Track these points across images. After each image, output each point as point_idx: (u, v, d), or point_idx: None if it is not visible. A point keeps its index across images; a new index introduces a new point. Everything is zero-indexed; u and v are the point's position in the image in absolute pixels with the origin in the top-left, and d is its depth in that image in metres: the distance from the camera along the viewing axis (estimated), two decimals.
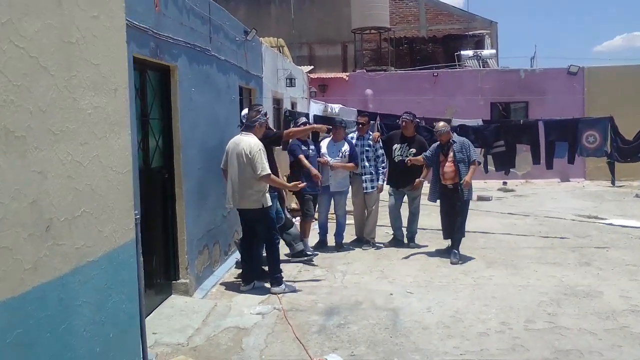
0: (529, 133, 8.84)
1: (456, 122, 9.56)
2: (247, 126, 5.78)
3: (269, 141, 6.12)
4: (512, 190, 13.64)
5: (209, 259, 6.13)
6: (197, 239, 5.75)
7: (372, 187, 7.64)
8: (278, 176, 6.29)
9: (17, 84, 1.69)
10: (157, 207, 5.14)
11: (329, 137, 7.66)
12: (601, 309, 5.16)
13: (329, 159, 7.38)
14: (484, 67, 17.27)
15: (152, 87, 5.10)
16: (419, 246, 7.68)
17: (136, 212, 2.54)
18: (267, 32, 16.48)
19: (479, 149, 9.19)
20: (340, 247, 7.65)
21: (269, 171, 5.52)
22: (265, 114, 6.05)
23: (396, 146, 7.69)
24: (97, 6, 2.14)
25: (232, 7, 19.45)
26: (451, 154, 6.97)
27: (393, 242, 7.85)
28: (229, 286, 6.03)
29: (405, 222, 7.87)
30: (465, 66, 17.53)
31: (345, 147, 7.49)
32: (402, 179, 7.60)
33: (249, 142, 5.57)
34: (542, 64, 27.95)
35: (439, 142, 7.19)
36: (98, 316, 2.16)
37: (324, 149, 7.49)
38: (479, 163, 7.44)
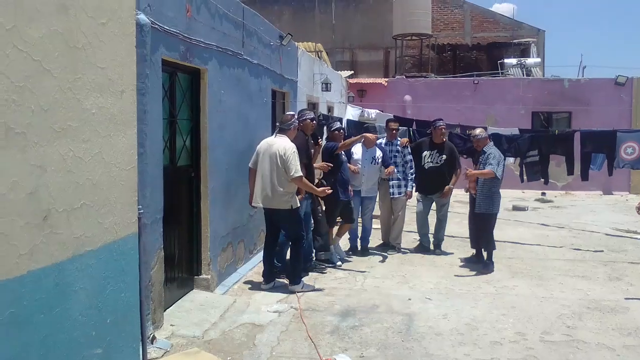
0: (564, 144, 8.65)
1: (490, 130, 9.43)
2: (281, 129, 5.94)
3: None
4: (550, 201, 13.35)
5: (232, 257, 6.29)
6: (222, 236, 5.92)
7: (400, 193, 7.67)
8: (314, 180, 6.44)
9: (20, 85, 1.86)
10: (183, 204, 5.34)
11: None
12: (624, 325, 5.04)
13: (358, 166, 7.29)
14: (527, 75, 16.96)
15: (182, 88, 5.30)
16: (445, 253, 7.66)
17: (140, 206, 2.70)
18: (311, 37, 16.71)
19: (513, 158, 9.08)
20: (365, 251, 7.66)
21: (301, 173, 5.65)
22: (313, 118, 6.51)
23: (426, 153, 7.68)
24: (105, 13, 2.30)
25: (276, 12, 19.86)
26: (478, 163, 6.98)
27: (419, 248, 7.86)
28: (252, 284, 6.17)
29: (432, 229, 7.85)
30: (508, 74, 17.26)
31: (378, 153, 7.47)
32: (431, 185, 7.62)
33: (283, 144, 5.72)
34: (592, 73, 27.19)
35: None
36: (95, 302, 2.32)
37: (357, 155, 7.39)
38: (461, 172, 7.52)
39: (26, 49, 1.89)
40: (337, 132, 7.18)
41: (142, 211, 2.74)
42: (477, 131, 7.18)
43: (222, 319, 5.01)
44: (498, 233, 9.00)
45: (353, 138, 6.99)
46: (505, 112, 14.87)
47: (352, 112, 12.94)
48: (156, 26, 4.38)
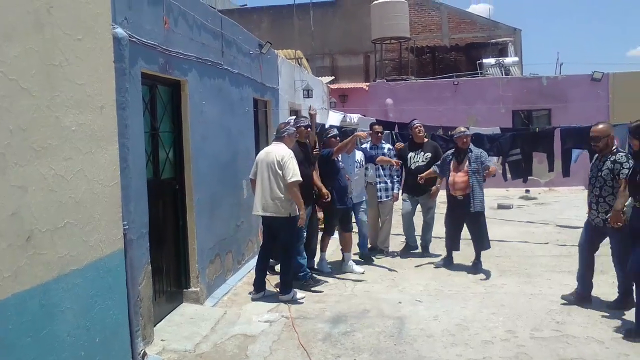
0: (545, 141, 8.76)
1: (472, 130, 9.51)
2: (277, 137, 5.99)
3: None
4: (534, 198, 13.48)
5: (221, 268, 6.25)
6: (209, 248, 5.89)
7: (387, 196, 7.69)
8: (311, 190, 6.37)
9: None
10: (168, 217, 5.30)
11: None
12: (612, 318, 5.09)
13: (348, 170, 7.11)
14: (506, 75, 17.14)
15: (163, 100, 5.27)
16: (432, 255, 7.65)
17: (125, 222, 2.67)
18: (290, 44, 16.72)
19: (495, 157, 9.15)
20: (367, 258, 7.49)
21: (299, 178, 5.62)
22: (307, 126, 6.56)
23: (411, 154, 7.68)
24: (81, 29, 2.29)
25: (255, 20, 19.88)
26: (466, 162, 6.87)
27: (406, 250, 7.88)
28: (241, 295, 6.13)
29: (419, 231, 7.86)
30: (487, 74, 17.43)
31: (360, 155, 7.35)
32: (419, 186, 7.44)
33: (280, 151, 5.75)
34: (569, 70, 27.55)
35: (453, 150, 7.11)
36: (83, 322, 2.29)
37: (341, 163, 7.09)
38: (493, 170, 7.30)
39: (2, 68, 1.86)
40: (333, 138, 7.12)
41: (127, 227, 2.71)
42: (461, 128, 7.11)
43: (213, 331, 4.97)
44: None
45: (346, 140, 6.76)
46: (485, 112, 15.01)
47: (334, 118, 12.95)
48: (134, 39, 4.35)
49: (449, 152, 7.22)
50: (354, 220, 7.32)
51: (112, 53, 2.51)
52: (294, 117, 7.29)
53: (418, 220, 7.85)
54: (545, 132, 9.07)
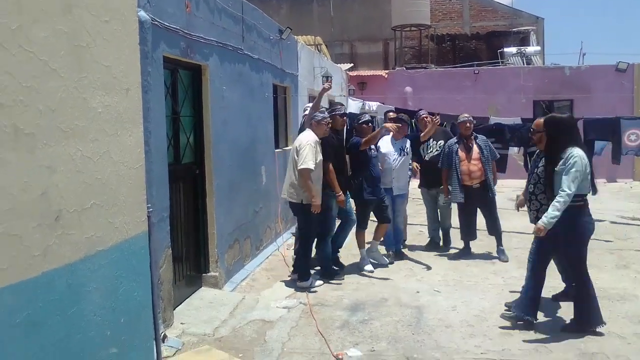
0: None
1: (493, 120, 9.41)
2: (309, 124, 6.02)
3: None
4: None
5: (240, 253, 6.28)
6: (228, 233, 5.91)
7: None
8: (344, 179, 6.13)
9: (27, 85, 1.84)
10: (188, 202, 5.32)
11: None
12: (634, 313, 5.02)
13: (391, 159, 6.72)
14: (527, 64, 16.89)
15: (184, 85, 5.27)
16: (453, 248, 7.37)
17: (149, 205, 2.68)
18: (309, 30, 16.64)
19: (516, 147, 9.04)
20: (401, 256, 7.00)
21: (308, 166, 5.56)
22: (343, 114, 6.40)
23: (423, 146, 7.31)
24: (108, 11, 2.28)
25: (274, 6, 19.77)
26: (476, 149, 6.73)
27: (430, 246, 7.53)
28: (259, 280, 6.16)
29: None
30: (508, 63, 17.20)
31: (407, 144, 6.92)
32: (434, 177, 7.20)
33: (302, 137, 5.82)
34: (593, 60, 27.05)
35: (455, 139, 6.91)
36: (108, 302, 2.31)
37: (385, 149, 6.71)
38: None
39: (32, 49, 1.87)
40: (365, 125, 6.47)
41: (151, 209, 2.72)
42: (464, 115, 6.93)
43: (232, 316, 5.00)
44: (504, 223, 8.98)
45: (374, 133, 6.26)
46: (506, 102, 14.82)
47: (353, 105, 12.88)
48: (156, 23, 4.35)
49: (452, 141, 6.95)
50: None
51: (137, 35, 2.51)
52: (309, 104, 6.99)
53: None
54: None
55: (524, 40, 19.64)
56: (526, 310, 4.70)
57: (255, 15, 6.97)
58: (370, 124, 6.60)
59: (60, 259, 2.00)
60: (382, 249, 7.02)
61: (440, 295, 5.57)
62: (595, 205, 11.02)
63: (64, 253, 2.02)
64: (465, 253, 7.07)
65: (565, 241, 4.55)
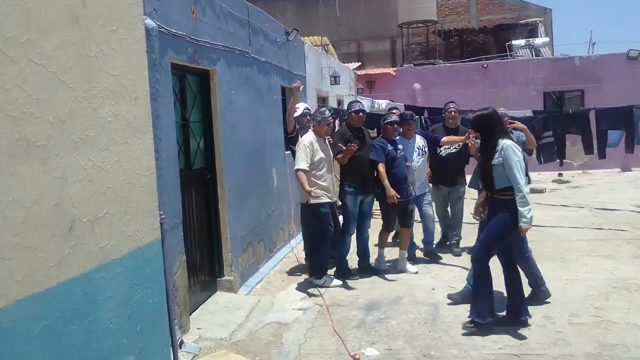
0: (579, 123, 8.54)
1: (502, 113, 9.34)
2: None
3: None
4: (567, 182, 13.21)
5: (253, 257, 6.30)
6: (241, 237, 5.93)
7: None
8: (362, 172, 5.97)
9: (37, 98, 1.86)
10: (200, 207, 5.34)
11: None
12: None
13: (412, 159, 6.45)
14: (536, 56, 16.77)
15: (192, 90, 5.29)
16: (462, 251, 6.90)
17: (161, 212, 2.69)
18: (315, 31, 16.65)
19: None
20: (434, 256, 6.71)
21: (301, 166, 5.61)
22: (358, 111, 6.13)
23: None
24: (114, 20, 2.30)
25: (280, 8, 19.79)
26: None
27: (443, 243, 7.26)
28: (274, 283, 6.16)
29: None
30: (517, 56, 17.08)
31: (421, 141, 6.60)
32: (448, 175, 6.91)
33: (301, 138, 5.87)
34: (603, 49, 26.73)
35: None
36: (124, 310, 2.33)
37: (404, 150, 6.37)
38: None
39: (41, 61, 1.89)
40: (390, 126, 6.22)
41: (163, 216, 2.74)
42: (501, 109, 6.33)
43: (248, 319, 5.02)
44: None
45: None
46: (516, 94, 14.73)
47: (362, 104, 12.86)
48: (163, 30, 4.37)
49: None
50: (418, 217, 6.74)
51: (144, 43, 2.53)
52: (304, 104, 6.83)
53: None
54: (579, 113, 8.85)
55: (532, 32, 19.50)
56: (489, 312, 4.56)
57: (261, 18, 6.98)
58: (395, 125, 6.25)
59: (76, 269, 2.02)
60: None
61: (455, 292, 5.53)
62: (609, 195, 11.03)
63: (79, 263, 2.04)
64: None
65: (510, 232, 4.55)
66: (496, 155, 4.43)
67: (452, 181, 6.99)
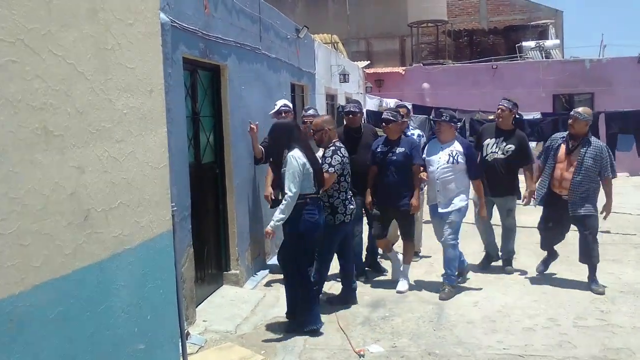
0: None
1: None
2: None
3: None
4: None
5: (260, 251, 6.34)
6: (248, 231, 5.97)
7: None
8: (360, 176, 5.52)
9: (56, 89, 1.90)
10: (209, 201, 5.38)
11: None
12: None
13: (434, 166, 5.46)
14: (546, 58, 16.72)
15: (203, 85, 5.33)
16: (515, 270, 6.19)
17: (173, 204, 2.73)
18: (325, 28, 16.65)
19: (535, 142, 8.97)
20: (452, 292, 5.43)
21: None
22: (349, 112, 5.93)
23: (488, 141, 6.09)
24: (132, 14, 2.33)
25: (290, 5, 19.81)
26: (577, 155, 5.42)
27: (486, 261, 6.37)
28: (280, 277, 6.19)
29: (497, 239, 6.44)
30: (527, 58, 17.03)
31: (457, 148, 5.42)
32: (495, 183, 5.94)
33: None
34: (614, 52, 26.59)
35: (567, 133, 5.59)
36: (135, 299, 2.37)
37: (429, 155, 5.57)
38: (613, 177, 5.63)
39: (60, 53, 1.93)
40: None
41: (175, 208, 2.78)
42: (581, 109, 5.58)
43: (254, 313, 5.05)
44: (525, 218, 8.91)
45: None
46: (525, 96, 14.60)
47: (370, 103, 12.90)
48: (176, 24, 4.41)
49: (562, 134, 5.77)
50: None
51: (159, 37, 2.56)
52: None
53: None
54: None
55: (542, 34, 19.43)
56: (317, 319, 4.61)
57: (272, 14, 7.01)
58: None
59: (90, 257, 2.07)
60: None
61: (461, 291, 5.55)
62: (617, 199, 10.90)
63: (93, 251, 2.08)
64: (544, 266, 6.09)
65: (290, 237, 4.60)
66: (283, 164, 4.55)
67: (498, 190, 6.01)
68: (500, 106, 6.14)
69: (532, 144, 9.17)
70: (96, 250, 2.10)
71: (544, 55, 17.06)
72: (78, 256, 1.99)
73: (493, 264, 6.39)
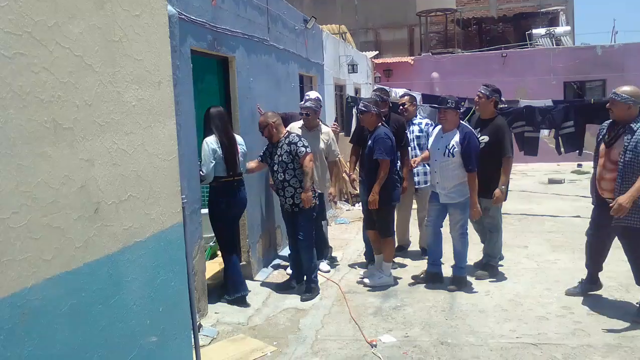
0: (600, 113, 8.38)
1: (523, 102, 9.26)
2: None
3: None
4: (587, 173, 13.03)
5: (270, 243, 6.34)
6: (258, 223, 5.97)
7: (425, 182, 6.21)
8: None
9: (64, 81, 1.89)
10: None
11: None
12: None
13: (433, 158, 5.32)
14: (557, 45, 16.53)
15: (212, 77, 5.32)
16: (486, 276, 5.58)
17: (183, 196, 2.73)
18: (333, 19, 16.56)
19: (547, 130, 8.88)
20: (460, 284, 5.30)
21: None
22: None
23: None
24: (139, 5, 2.32)
25: None
26: (621, 147, 4.33)
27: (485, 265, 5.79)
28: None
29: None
30: (537, 45, 16.85)
31: (455, 140, 5.11)
32: (481, 184, 5.18)
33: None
34: (626, 38, 26.29)
35: (610, 120, 4.59)
36: (147, 292, 2.37)
37: (430, 143, 5.46)
38: None
39: (68, 45, 1.92)
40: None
41: (185, 200, 2.77)
42: (623, 89, 4.52)
43: (265, 304, 5.06)
44: (536, 207, 8.86)
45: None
46: (536, 84, 14.55)
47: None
48: (183, 17, 4.39)
49: (607, 122, 4.65)
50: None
51: (167, 29, 2.54)
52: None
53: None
54: (602, 103, 8.69)
55: (553, 21, 19.22)
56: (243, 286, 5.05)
57: (280, 5, 6.97)
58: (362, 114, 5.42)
59: (101, 250, 2.07)
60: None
61: (472, 280, 5.52)
62: None
63: (104, 244, 2.08)
64: (585, 287, 5.08)
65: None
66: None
67: (482, 191, 5.26)
68: (477, 93, 5.60)
69: (545, 132, 9.09)
70: (107, 243, 2.10)
71: (554, 42, 16.86)
72: (89, 249, 1.99)
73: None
